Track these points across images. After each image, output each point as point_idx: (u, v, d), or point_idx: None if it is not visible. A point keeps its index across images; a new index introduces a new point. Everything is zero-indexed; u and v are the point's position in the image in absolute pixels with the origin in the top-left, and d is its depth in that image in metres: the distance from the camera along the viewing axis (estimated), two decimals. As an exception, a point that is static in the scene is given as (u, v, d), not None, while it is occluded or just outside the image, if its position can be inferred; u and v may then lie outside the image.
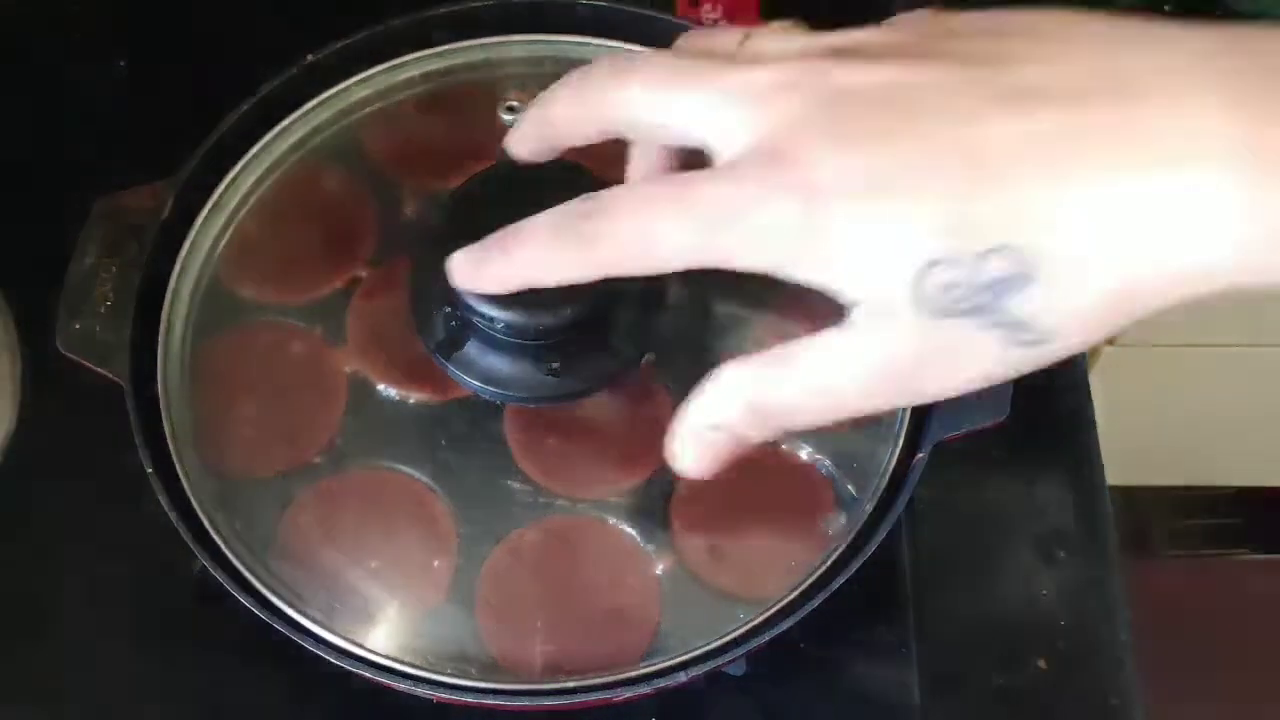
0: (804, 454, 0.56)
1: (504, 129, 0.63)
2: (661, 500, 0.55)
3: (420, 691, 0.50)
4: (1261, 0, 0.75)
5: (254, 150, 0.62)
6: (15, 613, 0.58)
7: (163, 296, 0.58)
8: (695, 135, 0.39)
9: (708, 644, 0.52)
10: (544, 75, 0.65)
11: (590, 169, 0.49)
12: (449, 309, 0.50)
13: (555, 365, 0.50)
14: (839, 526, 0.55)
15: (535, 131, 0.46)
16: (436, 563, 0.54)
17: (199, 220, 0.60)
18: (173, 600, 0.56)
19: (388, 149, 0.63)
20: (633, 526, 0.55)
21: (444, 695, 0.50)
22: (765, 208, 0.37)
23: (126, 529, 0.58)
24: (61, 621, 0.58)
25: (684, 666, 0.50)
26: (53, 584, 0.58)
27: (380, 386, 0.57)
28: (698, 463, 0.43)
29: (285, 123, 0.62)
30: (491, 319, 0.47)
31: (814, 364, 0.39)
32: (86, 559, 0.58)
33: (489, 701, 0.50)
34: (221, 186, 0.60)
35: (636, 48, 0.66)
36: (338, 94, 0.63)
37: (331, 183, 0.62)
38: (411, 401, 0.57)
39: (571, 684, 0.52)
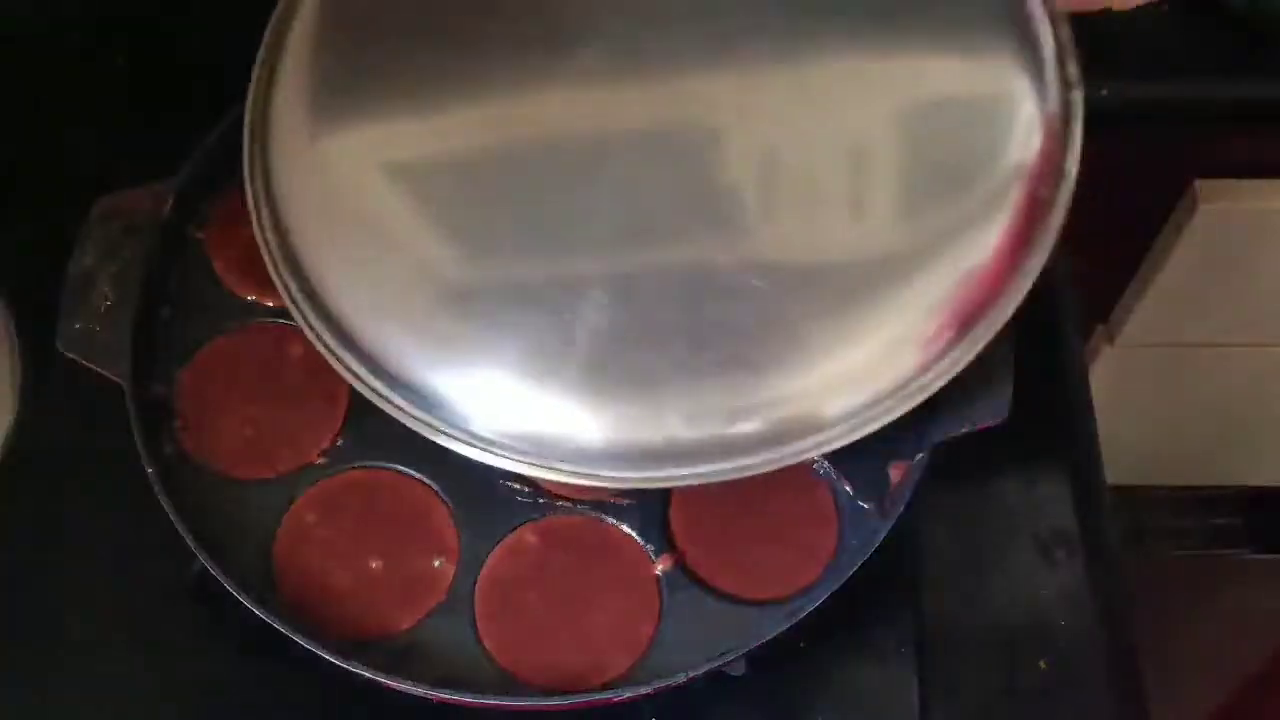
0: (804, 454, 0.56)
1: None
2: (661, 500, 0.55)
3: (420, 691, 0.50)
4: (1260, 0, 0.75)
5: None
6: (15, 612, 0.58)
7: (162, 297, 0.58)
8: None
9: (707, 644, 0.52)
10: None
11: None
12: None
13: None
14: (838, 527, 0.55)
15: None
16: (436, 562, 0.54)
17: (199, 221, 0.60)
18: (173, 600, 0.56)
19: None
20: (632, 527, 0.55)
21: (444, 695, 0.50)
22: None
23: (126, 528, 0.57)
24: (61, 621, 0.57)
25: (684, 667, 0.50)
26: (52, 583, 0.58)
27: (380, 387, 0.57)
28: None
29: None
30: None
31: None
32: (86, 558, 0.58)
33: (488, 701, 0.50)
34: (222, 188, 0.60)
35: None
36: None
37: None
38: (412, 402, 0.57)
39: (571, 684, 0.52)
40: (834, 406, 0.46)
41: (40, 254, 0.56)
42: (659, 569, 0.54)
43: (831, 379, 0.47)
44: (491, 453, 0.47)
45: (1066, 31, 0.51)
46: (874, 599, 0.57)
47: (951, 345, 0.47)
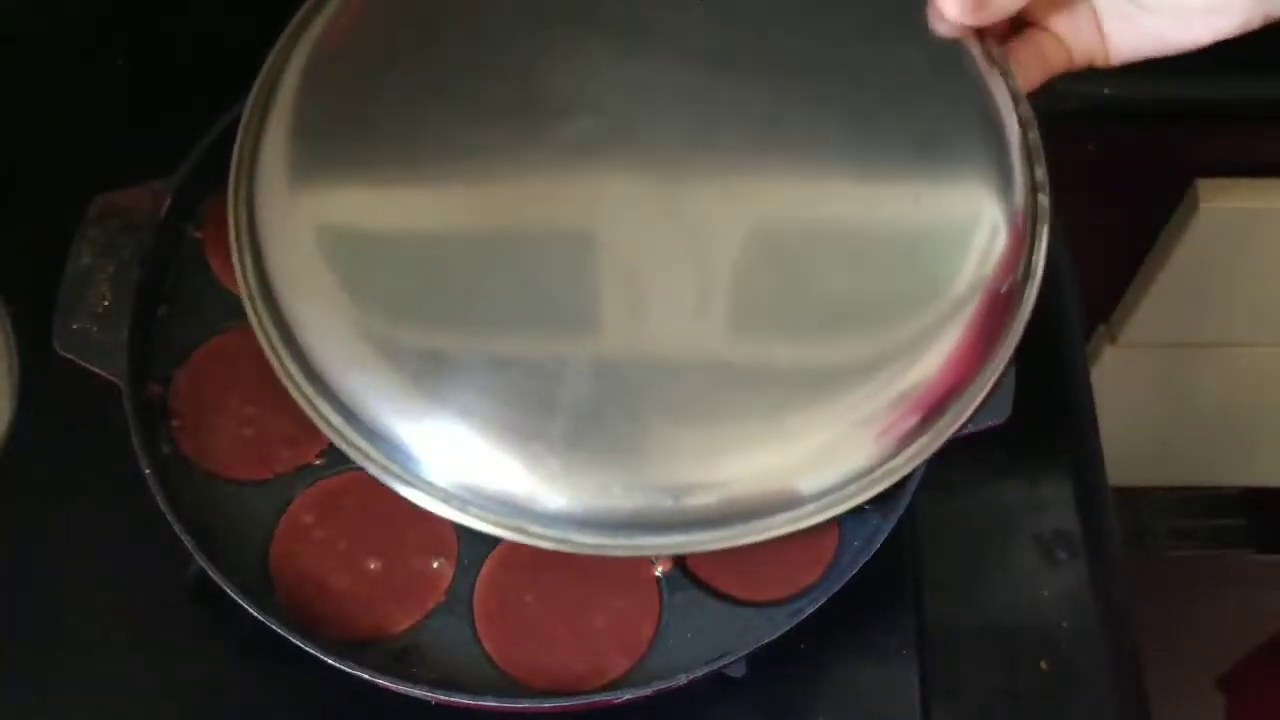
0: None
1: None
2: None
3: (418, 692, 0.49)
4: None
5: (252, 150, 0.62)
6: (14, 612, 0.57)
7: (159, 296, 0.58)
8: None
9: (707, 646, 0.52)
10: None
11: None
12: None
13: None
14: (839, 528, 0.55)
15: None
16: (435, 563, 0.54)
17: (197, 221, 0.60)
18: (171, 600, 0.56)
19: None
20: (632, 527, 0.54)
21: (442, 696, 0.49)
22: None
23: (124, 529, 0.57)
24: (60, 621, 0.57)
25: (684, 668, 0.50)
26: (51, 583, 0.58)
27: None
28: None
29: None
30: None
31: None
32: (84, 559, 0.58)
33: (487, 703, 0.50)
34: (219, 188, 0.60)
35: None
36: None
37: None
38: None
39: (571, 685, 0.52)
40: (808, 485, 0.47)
41: (39, 253, 0.55)
42: (659, 570, 0.54)
43: (805, 460, 0.47)
44: (465, 512, 0.47)
45: (1035, 135, 0.52)
46: (875, 600, 0.57)
47: (917, 434, 0.48)
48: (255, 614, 0.49)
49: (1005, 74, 0.52)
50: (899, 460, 0.48)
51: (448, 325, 0.47)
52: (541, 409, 0.45)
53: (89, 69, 0.73)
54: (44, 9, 0.74)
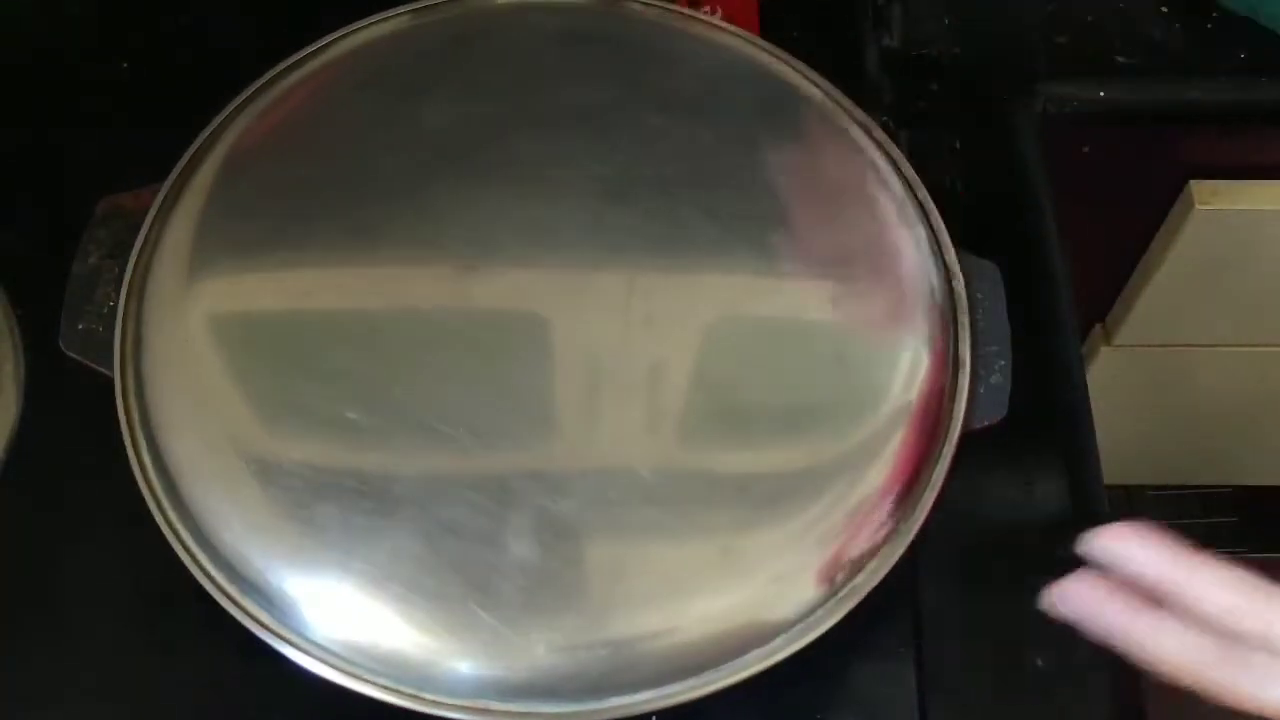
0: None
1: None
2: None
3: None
4: None
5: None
6: (15, 613, 0.58)
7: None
8: None
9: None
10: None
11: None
12: None
13: None
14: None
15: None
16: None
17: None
18: (174, 600, 0.56)
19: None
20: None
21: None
22: None
23: (128, 527, 0.57)
24: (64, 619, 0.58)
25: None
26: (53, 584, 0.58)
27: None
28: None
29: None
30: None
31: None
32: (87, 559, 0.58)
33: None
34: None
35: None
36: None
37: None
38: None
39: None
40: (777, 613, 0.47)
41: (45, 253, 0.56)
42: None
43: (771, 586, 0.47)
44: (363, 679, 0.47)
45: (938, 219, 0.52)
46: (873, 598, 0.57)
47: (888, 536, 0.49)
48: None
49: (896, 160, 0.52)
50: (861, 578, 0.48)
51: (327, 453, 0.47)
52: (482, 572, 0.45)
53: (91, 68, 0.73)
54: (45, 9, 0.75)
